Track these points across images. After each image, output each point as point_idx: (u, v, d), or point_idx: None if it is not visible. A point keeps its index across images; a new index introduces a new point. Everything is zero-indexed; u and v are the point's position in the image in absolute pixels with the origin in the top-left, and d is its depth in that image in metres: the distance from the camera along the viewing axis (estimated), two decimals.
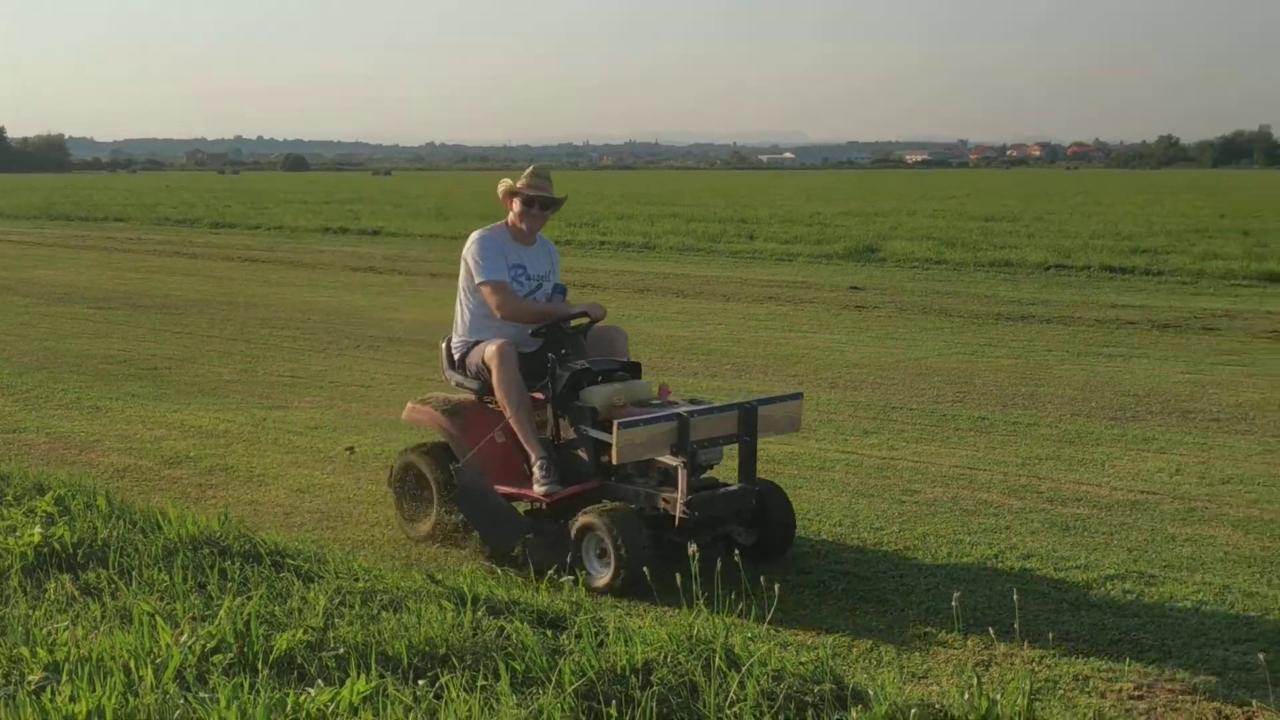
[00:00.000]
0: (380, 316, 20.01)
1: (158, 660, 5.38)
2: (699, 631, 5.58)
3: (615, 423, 7.09)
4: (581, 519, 7.27)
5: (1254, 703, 5.58)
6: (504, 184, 8.41)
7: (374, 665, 5.35)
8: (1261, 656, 5.54)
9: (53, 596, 6.37)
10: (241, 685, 5.09)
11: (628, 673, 5.27)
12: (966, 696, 5.00)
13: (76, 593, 6.42)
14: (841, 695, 5.15)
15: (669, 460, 7.34)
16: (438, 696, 5.11)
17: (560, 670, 5.23)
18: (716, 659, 5.29)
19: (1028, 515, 8.71)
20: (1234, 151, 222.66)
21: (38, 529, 7.10)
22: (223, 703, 4.91)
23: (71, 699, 4.97)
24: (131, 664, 5.35)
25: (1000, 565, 7.66)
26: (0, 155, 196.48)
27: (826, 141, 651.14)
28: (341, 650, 5.55)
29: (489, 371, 7.89)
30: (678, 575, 5.99)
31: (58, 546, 6.94)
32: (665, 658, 5.37)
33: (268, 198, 68.87)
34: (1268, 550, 7.92)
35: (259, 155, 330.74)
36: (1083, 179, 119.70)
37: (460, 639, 5.65)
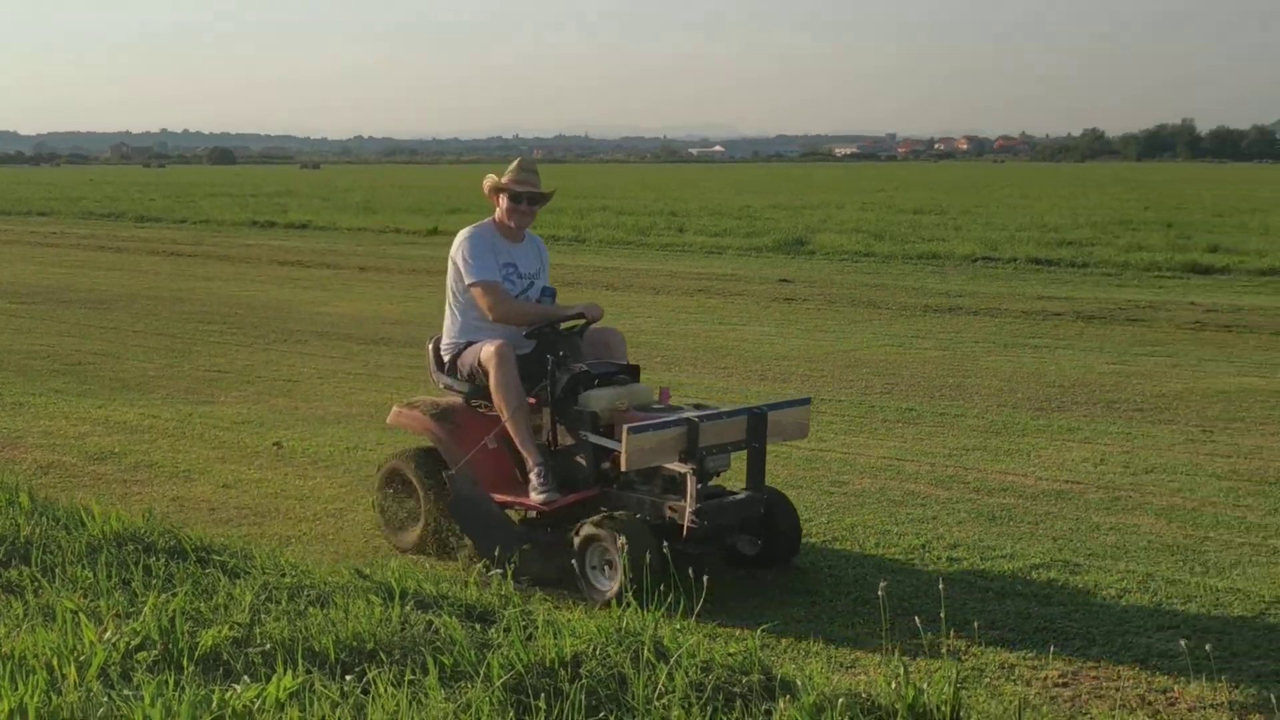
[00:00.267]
0: (308, 311, 19.88)
1: (81, 658, 5.32)
2: (628, 624, 5.58)
3: (625, 428, 6.79)
4: (585, 529, 6.95)
5: (1175, 688, 5.65)
6: (489, 179, 8.17)
7: (301, 661, 5.31)
8: (1183, 643, 5.61)
9: None
10: (166, 682, 5.04)
11: (557, 665, 5.27)
12: (893, 686, 5.02)
13: None
14: (770, 686, 5.16)
15: (677, 467, 7.03)
16: (365, 692, 5.08)
17: (489, 664, 5.21)
18: (645, 651, 5.30)
19: (954, 505, 8.77)
20: (1158, 144, 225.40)
21: None
22: (147, 700, 4.86)
23: None
24: (54, 662, 5.29)
25: (927, 555, 7.72)
26: None
27: (756, 135, 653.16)
28: (268, 646, 5.51)
29: (485, 374, 7.57)
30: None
31: None
32: (594, 650, 5.37)
33: (194, 191, 68.21)
34: (1190, 538, 8.02)
35: (185, 149, 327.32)
36: (1009, 172, 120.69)
37: (388, 634, 5.62)
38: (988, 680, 5.78)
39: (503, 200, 8.02)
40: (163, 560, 6.67)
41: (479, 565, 6.99)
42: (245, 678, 5.21)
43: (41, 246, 34.33)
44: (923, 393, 12.80)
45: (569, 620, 5.81)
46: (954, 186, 71.89)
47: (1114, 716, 4.80)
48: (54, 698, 4.92)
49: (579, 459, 7.47)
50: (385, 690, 5.01)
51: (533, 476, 7.42)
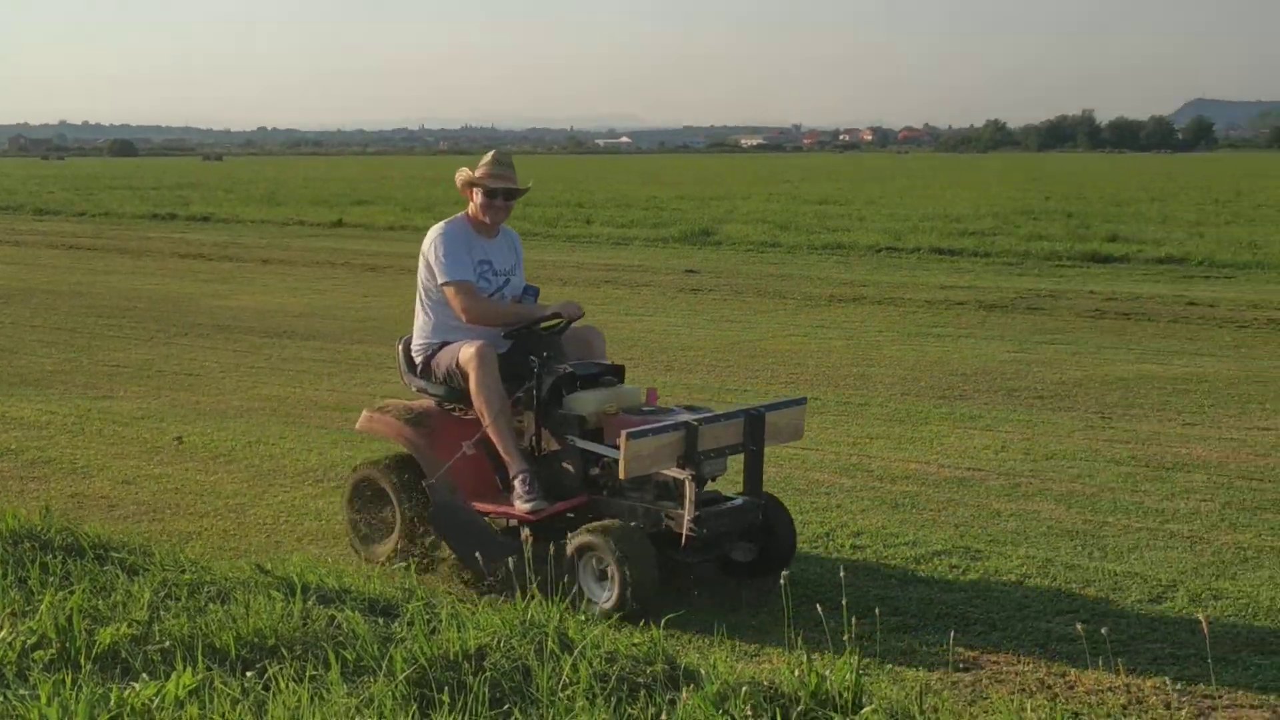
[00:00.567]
0: (210, 304, 19.67)
1: None
2: (533, 616, 5.58)
3: (624, 433, 6.43)
4: (579, 538, 6.61)
5: (1073, 671, 5.72)
6: (462, 174, 7.71)
7: (200, 658, 5.26)
8: (1080, 627, 5.68)
9: None
10: (63, 681, 4.98)
11: (460, 658, 5.26)
12: (796, 674, 5.06)
13: None
14: (674, 675, 5.18)
15: (675, 473, 6.72)
16: (266, 688, 5.04)
17: (391, 658, 5.19)
18: (549, 642, 5.30)
19: (858, 493, 8.84)
20: (1059, 135, 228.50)
21: None
22: (43, 699, 4.80)
23: None
24: None
25: (831, 543, 7.77)
26: None
27: (663, 126, 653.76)
28: (167, 644, 5.47)
29: (463, 376, 7.21)
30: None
31: None
32: (499, 642, 5.36)
33: (94, 184, 67.24)
34: (1089, 523, 8.13)
35: (84, 141, 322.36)
36: (913, 163, 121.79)
37: (289, 629, 5.58)
38: (890, 667, 5.83)
39: (477, 195, 7.58)
40: (60, 558, 6.57)
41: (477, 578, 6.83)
42: (144, 675, 5.16)
43: None
44: (827, 382, 12.88)
45: (473, 613, 5.80)
46: (859, 177, 72.43)
47: (1013, 700, 4.85)
48: None
49: (566, 465, 7.14)
50: (286, 686, 4.98)
51: (517, 484, 7.08)
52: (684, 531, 6.65)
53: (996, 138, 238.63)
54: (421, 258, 7.63)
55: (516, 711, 4.89)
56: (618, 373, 7.48)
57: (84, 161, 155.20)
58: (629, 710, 4.86)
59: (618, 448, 6.58)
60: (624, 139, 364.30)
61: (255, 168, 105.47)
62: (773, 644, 6.09)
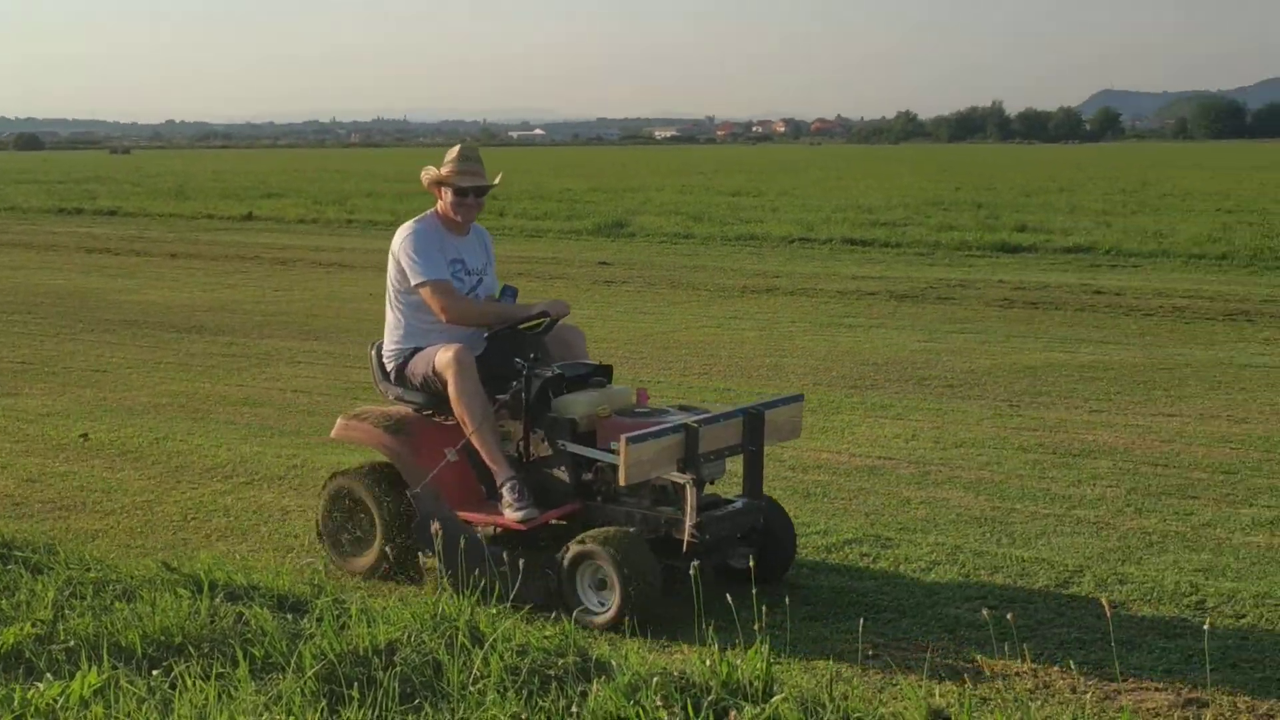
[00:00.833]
0: (117, 299, 19.42)
1: None
2: (444, 610, 5.56)
3: (624, 438, 6.16)
4: (576, 547, 6.36)
5: (979, 657, 5.78)
6: (429, 172, 7.44)
7: (106, 657, 5.20)
8: (986, 613, 5.74)
9: None
10: None
11: (370, 654, 5.24)
12: (708, 664, 5.07)
13: None
14: (585, 668, 5.18)
15: (676, 477, 6.47)
16: (173, 686, 4.99)
17: (300, 654, 5.15)
18: (460, 636, 5.28)
19: (770, 483, 8.78)
20: (969, 126, 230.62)
21: None
22: None
23: None
24: None
25: None
26: None
27: (577, 118, 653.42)
28: (72, 643, 5.41)
29: (441, 381, 6.89)
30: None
31: None
32: (409, 637, 5.35)
33: None
34: (997, 510, 8.22)
35: None
36: (825, 154, 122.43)
37: (196, 627, 5.54)
38: (800, 656, 5.86)
39: (446, 194, 7.29)
40: None
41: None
42: (48, 675, 5.10)
43: None
44: (740, 373, 12.93)
45: (383, 608, 5.77)
46: (771, 169, 72.69)
47: (922, 686, 4.89)
48: None
49: (557, 471, 6.86)
50: (193, 684, 4.94)
51: (505, 492, 6.75)
52: (686, 538, 6.39)
53: (908, 129, 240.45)
54: (391, 258, 7.26)
55: (427, 706, 4.88)
56: (606, 373, 7.20)
57: None
58: (540, 703, 4.85)
59: (612, 451, 6.44)
60: (538, 131, 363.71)
61: (164, 161, 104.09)
62: (684, 635, 6.10)
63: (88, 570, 6.37)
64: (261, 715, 4.76)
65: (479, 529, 6.91)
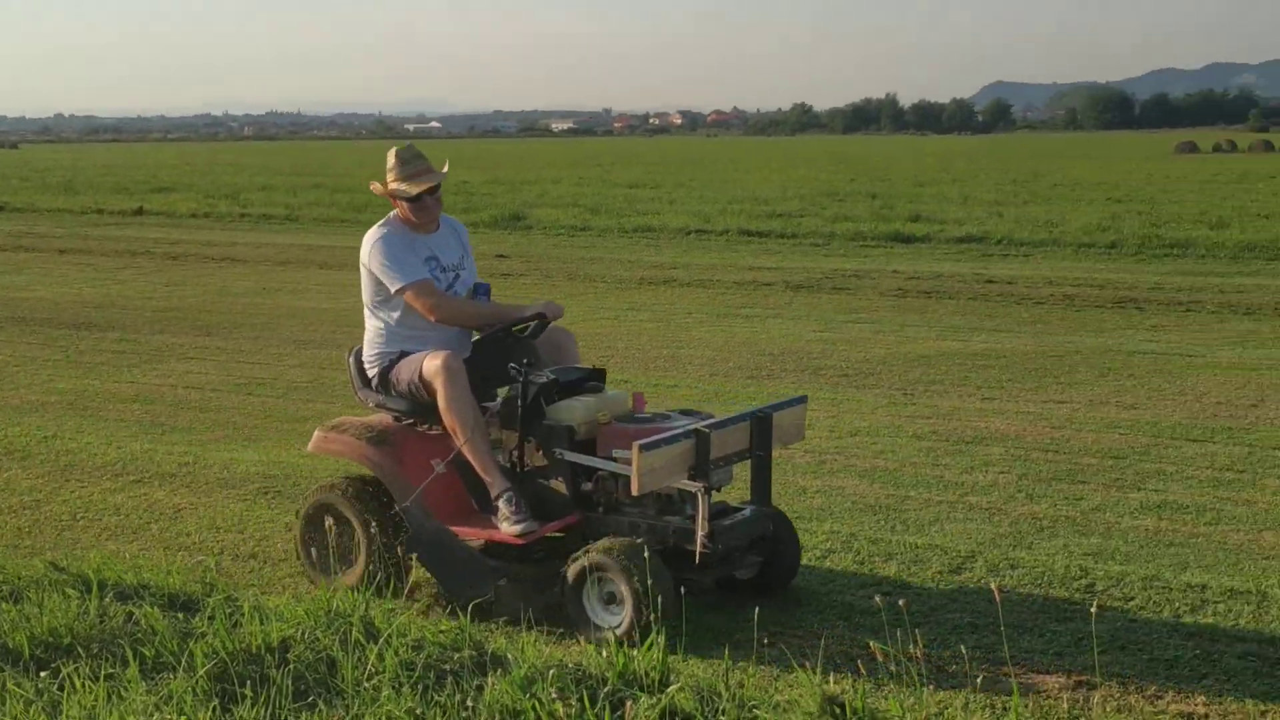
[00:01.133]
0: (4, 295, 19.12)
1: None
2: (338, 606, 5.52)
3: (636, 444, 5.88)
4: (584, 559, 6.08)
5: (872, 643, 5.82)
6: (376, 188, 7.16)
7: None
8: (879, 599, 5.78)
9: None
10: None
11: (263, 651, 5.19)
12: (605, 655, 5.08)
13: None
14: (481, 661, 5.17)
15: (687, 485, 6.21)
16: (61, 688, 4.91)
17: (192, 653, 5.09)
18: (355, 632, 5.25)
19: None
20: (863, 118, 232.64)
21: None
22: None
23: None
24: None
25: None
26: None
27: (473, 110, 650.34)
28: None
29: (427, 390, 6.57)
30: None
31: None
32: (303, 634, 5.31)
33: None
34: (891, 498, 8.30)
35: None
36: (722, 146, 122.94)
37: (85, 627, 5.46)
38: (697, 645, 5.88)
39: (401, 204, 6.99)
40: None
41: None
42: None
43: None
44: (638, 364, 12.95)
45: (276, 605, 5.71)
46: (668, 161, 72.86)
47: (816, 674, 4.92)
48: None
49: (554, 481, 6.64)
50: (82, 685, 4.87)
51: (501, 504, 6.44)
52: (698, 548, 6.15)
53: (803, 120, 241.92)
54: (362, 268, 6.96)
55: (321, 703, 4.85)
56: (600, 377, 6.92)
57: None
58: (436, 697, 4.83)
59: (613, 459, 6.29)
60: (434, 124, 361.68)
61: (52, 155, 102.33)
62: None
63: None
64: (152, 715, 4.71)
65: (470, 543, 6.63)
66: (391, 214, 7.06)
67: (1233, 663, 5.74)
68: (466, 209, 33.81)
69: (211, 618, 5.49)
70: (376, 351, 6.93)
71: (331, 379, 12.39)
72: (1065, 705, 4.91)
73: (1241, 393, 11.30)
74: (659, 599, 5.80)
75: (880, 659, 5.12)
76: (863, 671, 5.44)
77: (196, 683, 4.91)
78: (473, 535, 6.58)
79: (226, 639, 5.21)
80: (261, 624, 5.36)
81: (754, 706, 4.81)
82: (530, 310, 6.92)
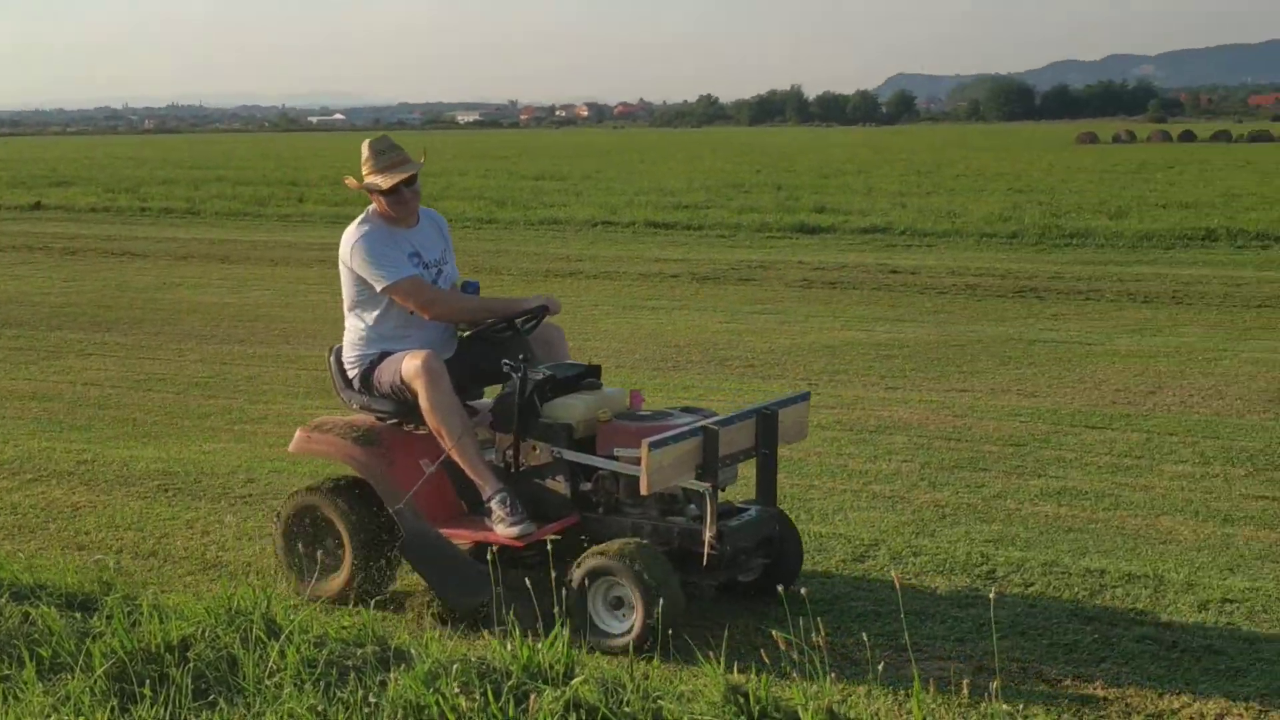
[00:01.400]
0: None
1: None
2: (238, 603, 5.46)
3: (645, 443, 5.68)
4: (588, 562, 5.87)
5: (775, 632, 5.81)
6: (350, 183, 6.92)
7: None
8: (781, 589, 5.78)
9: None
10: None
11: (163, 651, 5.14)
12: (509, 649, 5.07)
13: None
14: (385, 657, 5.15)
15: (695, 484, 6.05)
16: None
17: (89, 653, 5.03)
18: (256, 629, 5.20)
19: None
20: (769, 109, 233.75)
21: None
22: None
23: None
24: None
25: None
26: None
27: (378, 103, 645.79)
28: None
29: (410, 390, 6.35)
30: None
31: None
32: (203, 632, 5.25)
33: None
34: (797, 487, 8.34)
35: None
36: (629, 138, 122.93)
37: None
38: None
39: (377, 198, 6.73)
40: None
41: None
42: None
43: None
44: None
45: (176, 604, 5.64)
46: (575, 153, 72.79)
47: (721, 665, 4.94)
48: None
49: (554, 481, 6.39)
50: None
51: (495, 506, 6.23)
52: (705, 550, 5.99)
53: (709, 112, 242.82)
54: (342, 266, 6.68)
55: (222, 701, 4.80)
56: (596, 374, 6.68)
57: None
58: (339, 694, 4.80)
59: (615, 459, 6.14)
60: (338, 116, 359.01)
61: None
62: (486, 622, 6.06)
63: None
64: (49, 716, 4.66)
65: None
66: (370, 209, 6.81)
67: (1130, 646, 5.83)
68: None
69: (110, 617, 5.41)
70: (357, 353, 6.70)
71: (233, 374, 12.26)
72: (966, 691, 4.96)
73: (1139, 380, 11.48)
74: (667, 603, 5.58)
75: (783, 648, 5.14)
76: (766, 661, 5.46)
77: (94, 683, 4.84)
78: (466, 538, 6.36)
79: (125, 638, 5.15)
80: (161, 623, 5.29)
81: (658, 697, 4.81)
82: (531, 303, 6.69)
